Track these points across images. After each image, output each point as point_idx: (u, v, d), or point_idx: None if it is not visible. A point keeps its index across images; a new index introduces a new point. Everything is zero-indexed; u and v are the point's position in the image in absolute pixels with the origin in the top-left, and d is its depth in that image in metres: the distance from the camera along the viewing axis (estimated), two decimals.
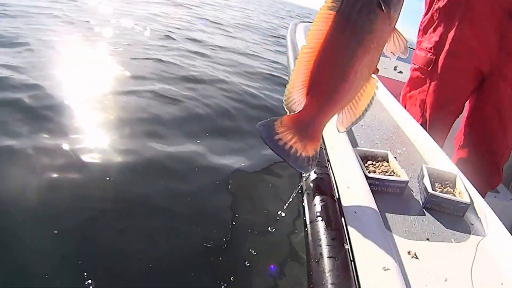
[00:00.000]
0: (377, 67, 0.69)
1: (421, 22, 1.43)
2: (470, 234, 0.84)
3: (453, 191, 0.96)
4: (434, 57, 1.37)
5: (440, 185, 0.96)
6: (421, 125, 1.32)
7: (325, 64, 0.66)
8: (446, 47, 1.33)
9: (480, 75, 1.39)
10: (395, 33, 0.67)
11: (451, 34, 1.32)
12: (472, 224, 0.88)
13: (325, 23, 0.64)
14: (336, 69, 0.66)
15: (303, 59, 0.66)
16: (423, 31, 1.42)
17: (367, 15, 0.62)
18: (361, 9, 0.62)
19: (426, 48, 1.39)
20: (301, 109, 0.69)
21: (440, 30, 1.35)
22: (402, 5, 0.65)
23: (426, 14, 1.40)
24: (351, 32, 0.63)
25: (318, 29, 0.65)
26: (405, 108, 1.48)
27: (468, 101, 1.53)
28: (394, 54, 0.68)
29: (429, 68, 1.38)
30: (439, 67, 1.36)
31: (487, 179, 1.49)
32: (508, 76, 1.35)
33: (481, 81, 1.42)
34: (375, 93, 0.69)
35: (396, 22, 0.66)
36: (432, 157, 1.14)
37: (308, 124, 0.69)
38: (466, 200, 0.90)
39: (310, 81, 0.67)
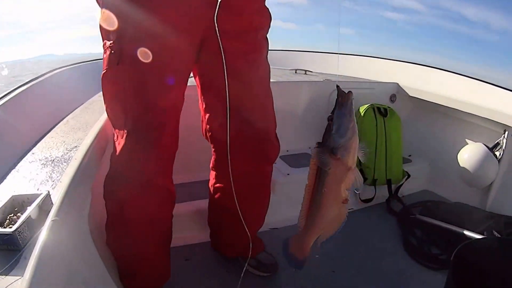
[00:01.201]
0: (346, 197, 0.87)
1: (100, 24, 1.07)
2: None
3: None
4: (118, 52, 1.01)
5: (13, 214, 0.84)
6: (126, 141, 1.03)
7: (309, 199, 0.90)
8: (129, 35, 1.00)
9: (193, 48, 1.09)
10: (353, 172, 0.83)
11: (132, 19, 0.99)
12: None
13: (313, 170, 0.86)
14: (314, 203, 0.89)
15: (305, 193, 0.90)
16: (103, 30, 1.05)
17: (325, 165, 0.82)
18: (322, 159, 0.82)
19: (109, 46, 1.02)
20: None
21: (117, 19, 1.00)
22: (352, 150, 0.80)
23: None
24: (319, 177, 0.85)
25: (311, 172, 0.86)
26: (114, 126, 1.11)
27: (197, 85, 1.24)
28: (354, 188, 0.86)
29: (117, 65, 1.01)
30: (127, 62, 1.01)
31: (261, 157, 1.26)
32: (226, 30, 1.06)
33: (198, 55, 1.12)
34: (346, 217, 0.90)
35: (351, 163, 0.81)
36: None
37: (301, 243, 0.97)
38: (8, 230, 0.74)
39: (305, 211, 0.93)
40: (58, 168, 1.07)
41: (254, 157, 1.23)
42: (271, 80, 1.22)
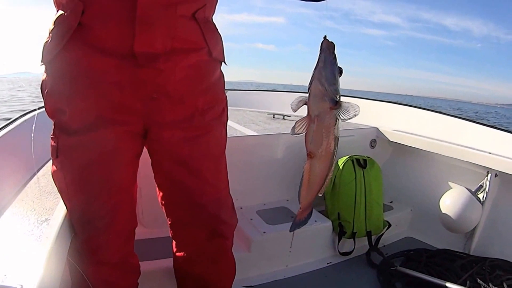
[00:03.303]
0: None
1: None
2: None
3: None
4: (56, 143, 0.98)
5: None
6: (76, 229, 1.06)
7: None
8: (64, 125, 0.97)
9: (133, 136, 1.03)
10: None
11: (63, 110, 0.96)
12: None
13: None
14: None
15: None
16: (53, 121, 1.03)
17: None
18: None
19: (51, 137, 1.01)
20: None
21: (53, 108, 0.99)
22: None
23: None
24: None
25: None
26: None
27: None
28: None
29: (57, 158, 1.00)
30: (64, 153, 0.99)
31: (217, 235, 1.23)
32: (168, 121, 1.01)
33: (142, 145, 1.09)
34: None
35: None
36: None
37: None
38: None
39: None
40: (28, 247, 0.98)
41: (209, 234, 1.22)
42: (246, 134, 1.18)
